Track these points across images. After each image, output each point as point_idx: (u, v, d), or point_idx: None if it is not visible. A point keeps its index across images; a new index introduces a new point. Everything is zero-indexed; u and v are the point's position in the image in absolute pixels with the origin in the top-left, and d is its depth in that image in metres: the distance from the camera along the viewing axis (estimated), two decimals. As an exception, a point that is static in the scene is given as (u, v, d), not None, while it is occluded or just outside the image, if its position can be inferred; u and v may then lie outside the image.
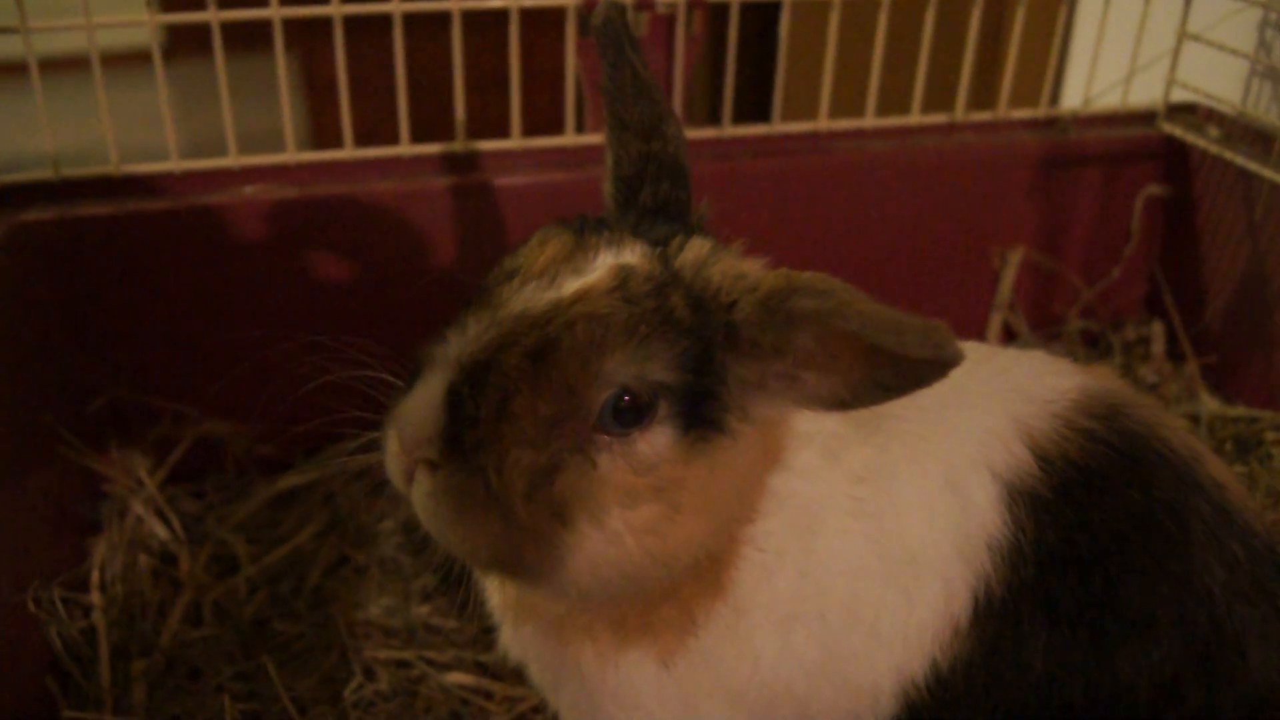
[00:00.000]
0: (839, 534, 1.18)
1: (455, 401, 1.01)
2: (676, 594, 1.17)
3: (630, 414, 1.03)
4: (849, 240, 2.21)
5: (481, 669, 1.75)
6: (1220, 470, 1.27)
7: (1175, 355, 2.35)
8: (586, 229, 1.11)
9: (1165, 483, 1.21)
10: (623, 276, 1.05)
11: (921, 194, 2.23)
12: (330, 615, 1.83)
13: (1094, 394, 1.26)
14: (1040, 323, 2.39)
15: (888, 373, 0.99)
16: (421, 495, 1.04)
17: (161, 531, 1.91)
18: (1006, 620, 1.18)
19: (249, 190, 1.97)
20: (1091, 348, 2.40)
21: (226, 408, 2.03)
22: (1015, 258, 2.32)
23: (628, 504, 1.04)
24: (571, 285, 1.05)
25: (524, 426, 1.02)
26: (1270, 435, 2.06)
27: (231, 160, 1.96)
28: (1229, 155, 2.17)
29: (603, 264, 1.07)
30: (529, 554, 1.05)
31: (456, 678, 1.74)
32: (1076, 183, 2.31)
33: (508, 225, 2.02)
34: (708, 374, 1.05)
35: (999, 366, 1.29)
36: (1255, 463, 2.05)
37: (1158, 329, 2.37)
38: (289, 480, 2.04)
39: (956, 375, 1.22)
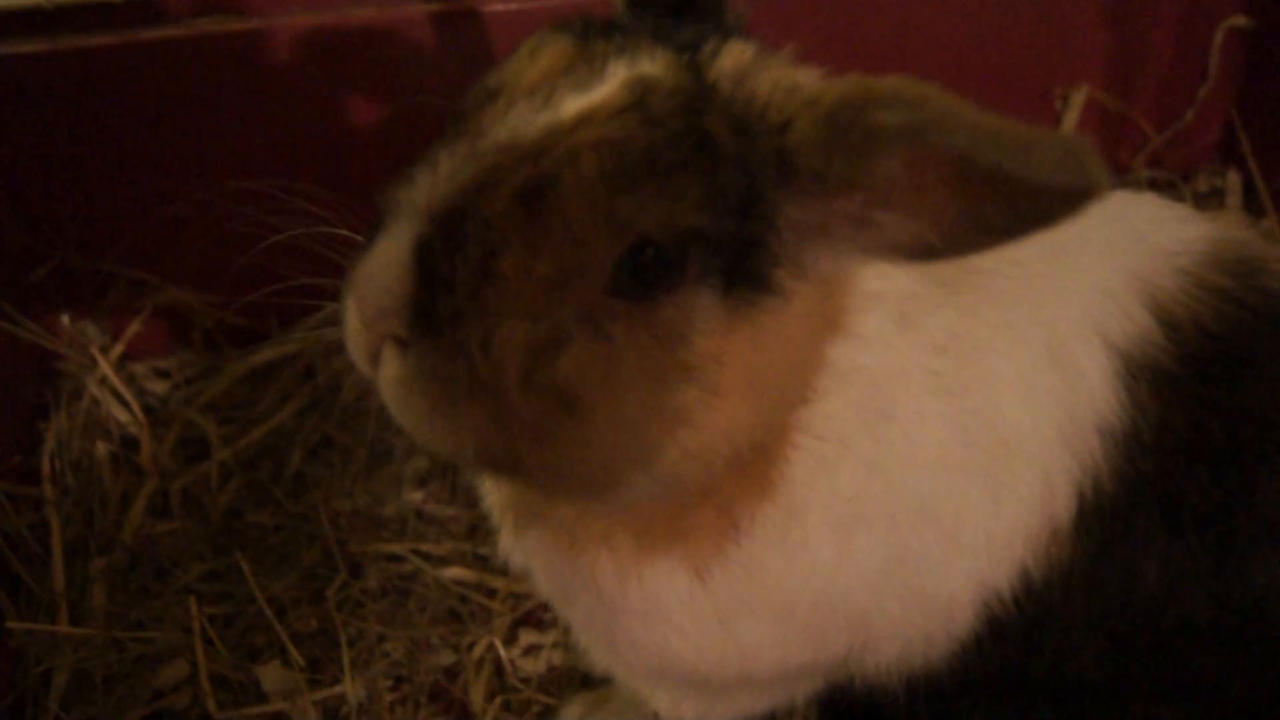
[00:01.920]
0: (915, 417, 0.96)
1: (426, 260, 0.78)
2: (715, 494, 0.96)
3: (653, 271, 0.79)
4: (899, 71, 1.96)
5: (482, 563, 1.59)
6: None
7: (1253, 209, 2.11)
8: (591, 33, 0.85)
9: None
10: (641, 91, 0.80)
11: (974, 23, 1.97)
12: (312, 504, 1.66)
13: (1227, 245, 1.03)
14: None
15: (999, 207, 0.75)
16: (390, 381, 0.81)
17: (121, 413, 1.72)
18: (1118, 521, 0.98)
19: (205, 21, 1.71)
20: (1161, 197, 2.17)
21: (191, 273, 1.81)
22: (1078, 98, 2.08)
23: (652, 387, 0.81)
24: (574, 104, 0.80)
25: (516, 291, 0.78)
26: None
27: None
28: (1328, -22, 1.90)
29: (614, 76, 0.81)
30: (527, 452, 0.83)
31: (454, 573, 1.59)
32: (1148, 12, 2.06)
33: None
34: (753, 217, 0.81)
35: (1109, 209, 1.05)
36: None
37: (1234, 180, 2.14)
38: (264, 354, 1.82)
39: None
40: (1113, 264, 1.00)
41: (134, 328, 1.79)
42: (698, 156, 0.79)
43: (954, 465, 0.97)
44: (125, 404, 1.73)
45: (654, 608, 1.01)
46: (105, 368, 1.72)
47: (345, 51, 1.74)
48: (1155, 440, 0.97)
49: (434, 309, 0.79)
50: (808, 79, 0.86)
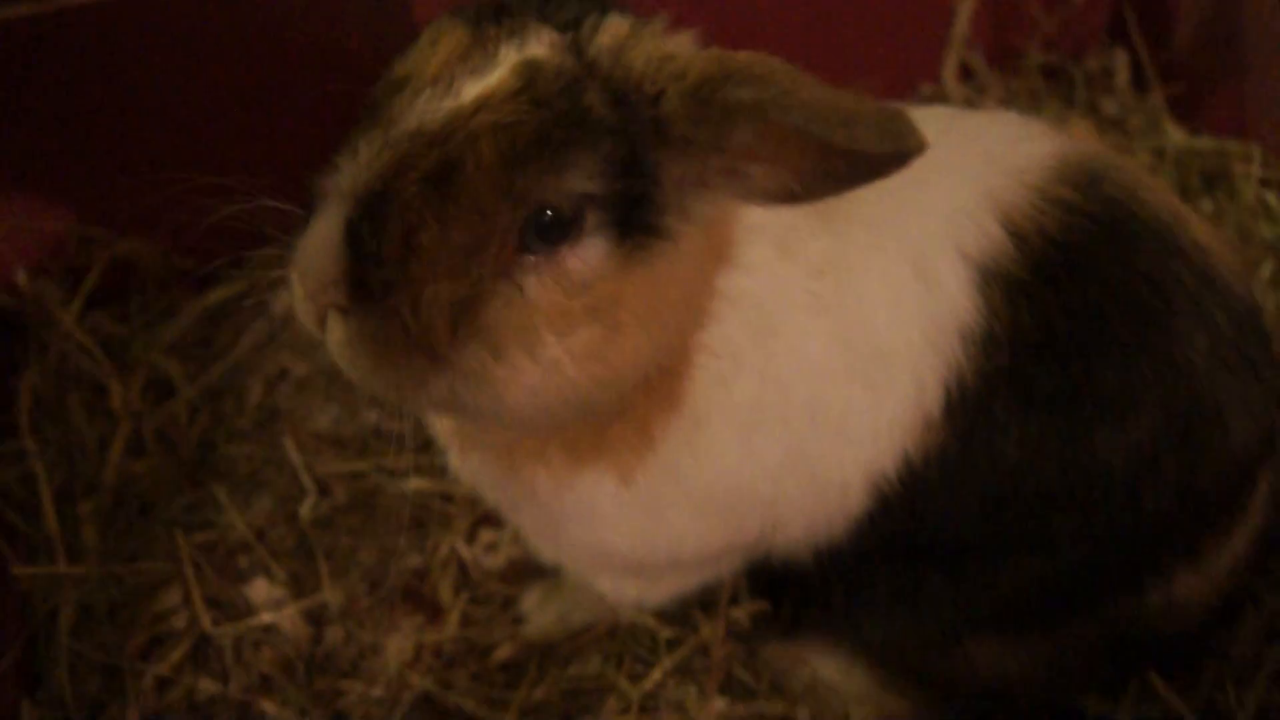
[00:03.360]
0: (798, 333, 1.10)
1: (355, 239, 0.90)
2: (630, 411, 1.10)
3: (555, 230, 0.92)
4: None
5: (440, 472, 1.68)
6: (1204, 232, 1.20)
7: (1140, 85, 2.22)
8: (484, 19, 0.96)
9: (1146, 253, 1.14)
10: (529, 75, 0.91)
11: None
12: (277, 432, 1.77)
13: (1072, 160, 1.16)
14: (998, 58, 2.25)
15: (840, 164, 0.88)
16: (336, 344, 0.94)
17: (87, 363, 1.80)
18: (980, 409, 1.12)
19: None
20: (1052, 80, 2.27)
21: (137, 222, 1.88)
22: (970, -9, 2.16)
23: (563, 329, 0.94)
24: (471, 90, 0.91)
25: (436, 259, 0.91)
26: (1239, 168, 1.97)
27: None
28: None
29: (505, 61, 0.92)
30: (463, 392, 0.96)
31: (415, 484, 1.70)
32: (1035, -100, 2.13)
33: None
34: (637, 176, 0.93)
35: (967, 133, 1.18)
36: (1223, 197, 1.98)
37: (1121, 58, 2.24)
38: (217, 294, 1.92)
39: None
40: (968, 185, 1.13)
41: (90, 281, 1.86)
42: (582, 131, 0.90)
43: (837, 372, 1.11)
44: (90, 354, 1.81)
45: (588, 510, 1.16)
46: (69, 323, 1.80)
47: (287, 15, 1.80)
48: (1009, 338, 1.11)
49: (367, 280, 0.91)
50: (680, 48, 0.97)
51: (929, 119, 1.16)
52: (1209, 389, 1.15)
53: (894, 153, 0.84)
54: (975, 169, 1.14)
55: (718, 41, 1.93)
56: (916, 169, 1.05)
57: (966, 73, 2.23)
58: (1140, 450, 1.14)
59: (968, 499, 1.16)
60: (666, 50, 0.95)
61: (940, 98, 2.20)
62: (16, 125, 1.77)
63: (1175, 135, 2.10)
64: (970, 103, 2.20)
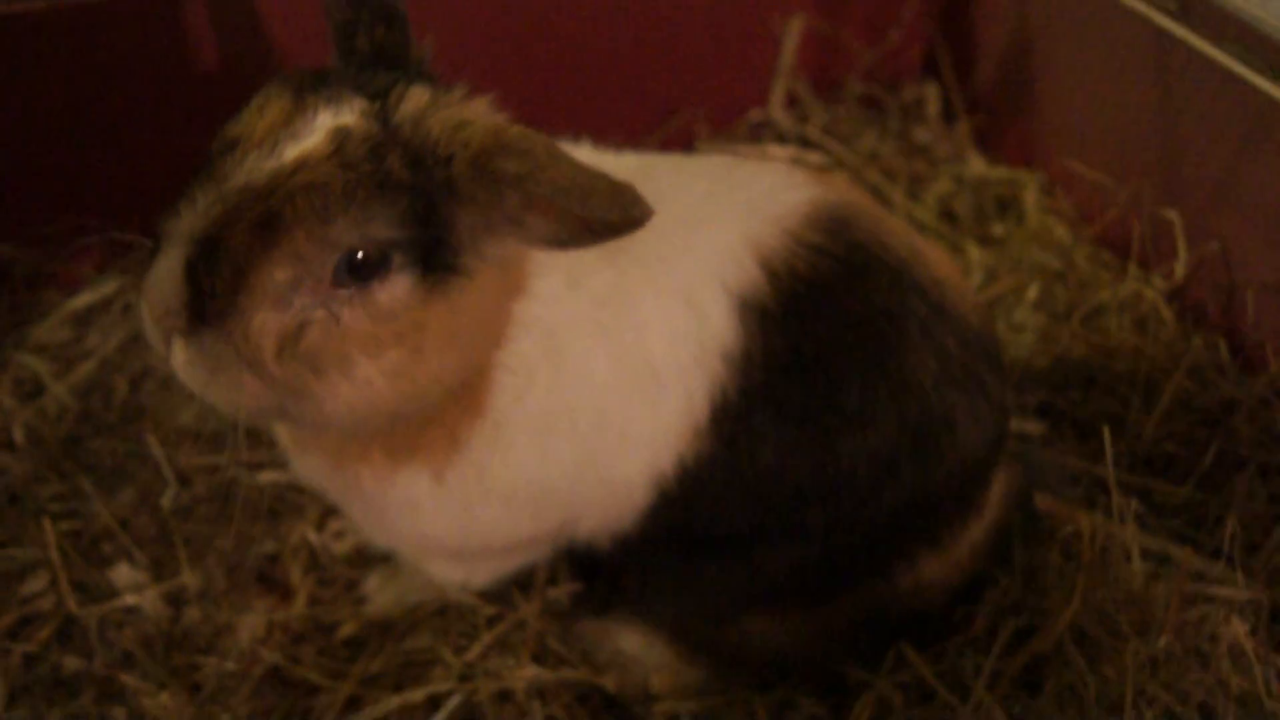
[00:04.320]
0: (583, 354, 1.28)
1: (193, 276, 1.06)
2: (441, 417, 1.27)
3: (365, 269, 1.09)
4: (630, 16, 2.22)
5: None
6: (940, 267, 1.40)
7: (949, 117, 2.45)
8: (305, 87, 1.12)
9: (883, 290, 1.33)
10: (340, 140, 1.08)
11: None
12: (141, 428, 1.89)
13: (824, 208, 1.35)
14: (822, 88, 2.46)
15: (590, 225, 1.07)
16: (179, 363, 1.11)
17: (-43, 360, 1.91)
18: (740, 420, 1.31)
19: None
20: (871, 110, 2.49)
21: (6, 227, 2.01)
22: (796, 25, 2.36)
23: (373, 352, 1.12)
24: (291, 152, 1.08)
25: (262, 293, 1.07)
26: (1027, 196, 2.21)
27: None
28: (997, -81, 2.21)
29: (321, 127, 1.09)
30: (289, 405, 1.13)
31: (269, 476, 1.84)
32: (856, -55, 2.34)
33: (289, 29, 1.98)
34: (434, 224, 1.10)
35: (737, 183, 1.38)
36: (1012, 221, 2.22)
37: (932, 91, 2.46)
38: (84, 297, 2.05)
39: (697, 195, 1.33)
40: (733, 229, 1.32)
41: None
42: (383, 190, 1.08)
43: (618, 386, 1.29)
44: (-40, 350, 1.92)
45: (407, 504, 1.33)
46: (-61, 321, 1.91)
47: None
48: (764, 360, 1.30)
49: (203, 310, 1.07)
50: (474, 114, 1.14)
51: (708, 168, 1.38)
52: (939, 403, 1.36)
53: (623, 220, 1.03)
54: (740, 215, 1.34)
55: (550, 81, 2.13)
56: (690, 213, 1.27)
57: (792, 100, 2.44)
58: (879, 456, 1.35)
59: (734, 495, 1.35)
60: (461, 117, 1.13)
61: (768, 123, 2.40)
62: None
63: (975, 164, 2.34)
64: (795, 128, 2.40)
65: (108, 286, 2.05)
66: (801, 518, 1.38)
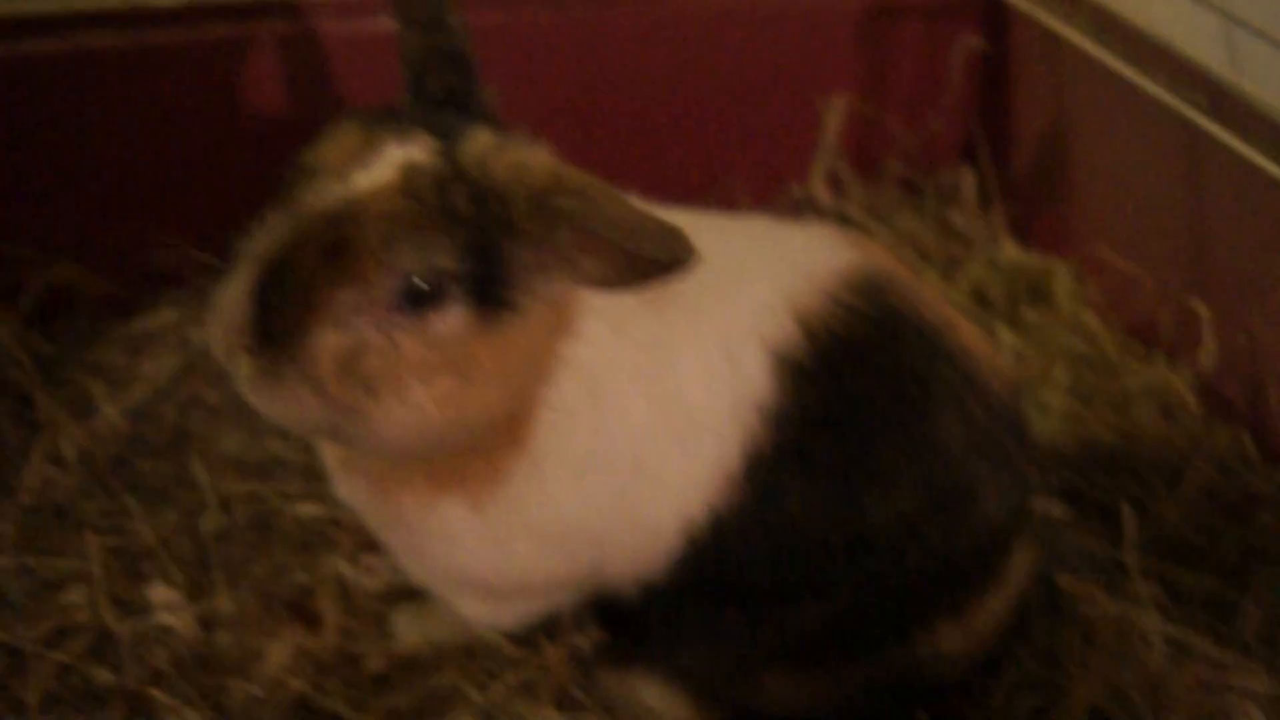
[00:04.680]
0: (624, 397, 1.33)
1: (262, 294, 1.12)
2: (483, 448, 1.31)
3: (423, 297, 1.15)
4: (682, 88, 2.31)
5: (330, 499, 1.82)
6: (971, 338, 1.45)
7: (984, 202, 2.51)
8: (376, 123, 1.19)
9: (915, 354, 1.38)
10: (408, 174, 1.14)
11: (751, 44, 2.32)
12: (187, 452, 1.95)
13: (861, 272, 1.40)
14: (862, 168, 2.53)
15: (638, 265, 1.13)
16: (243, 377, 1.16)
17: (19, 376, 1.98)
18: (771, 473, 1.35)
19: (84, 36, 1.97)
20: (908, 191, 2.55)
21: (75, 250, 2.09)
22: (839, 105, 2.44)
23: (426, 377, 1.17)
24: (362, 182, 1.14)
25: (326, 314, 1.13)
26: (1059, 283, 2.26)
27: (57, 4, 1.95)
28: (1040, 15, 2.29)
29: (391, 161, 1.16)
30: (343, 424, 1.19)
31: (307, 508, 1.89)
32: (900, 34, 2.42)
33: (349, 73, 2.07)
34: (491, 260, 1.17)
35: (779, 242, 1.44)
36: (1044, 307, 2.27)
37: (968, 176, 2.52)
38: (142, 322, 2.13)
39: (740, 251, 1.39)
40: (773, 286, 1.37)
41: (27, 301, 2.05)
42: (446, 222, 1.14)
43: (655, 431, 1.34)
44: (22, 367, 1.98)
45: (446, 533, 1.37)
46: (4, 338, 1.98)
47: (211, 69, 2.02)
48: (797, 415, 1.34)
49: (269, 328, 1.13)
50: (533, 158, 1.20)
51: (752, 227, 1.44)
52: (964, 469, 1.39)
53: (671, 259, 1.09)
54: (779, 273, 1.39)
55: (602, 144, 2.22)
56: (733, 269, 1.33)
57: (832, 177, 2.51)
58: (904, 516, 1.38)
59: (761, 547, 1.38)
60: (521, 160, 1.19)
61: (807, 199, 2.47)
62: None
63: (1009, 249, 2.40)
64: (834, 205, 2.47)
65: (165, 315, 2.13)
66: (826, 574, 1.41)
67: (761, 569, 1.41)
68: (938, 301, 1.46)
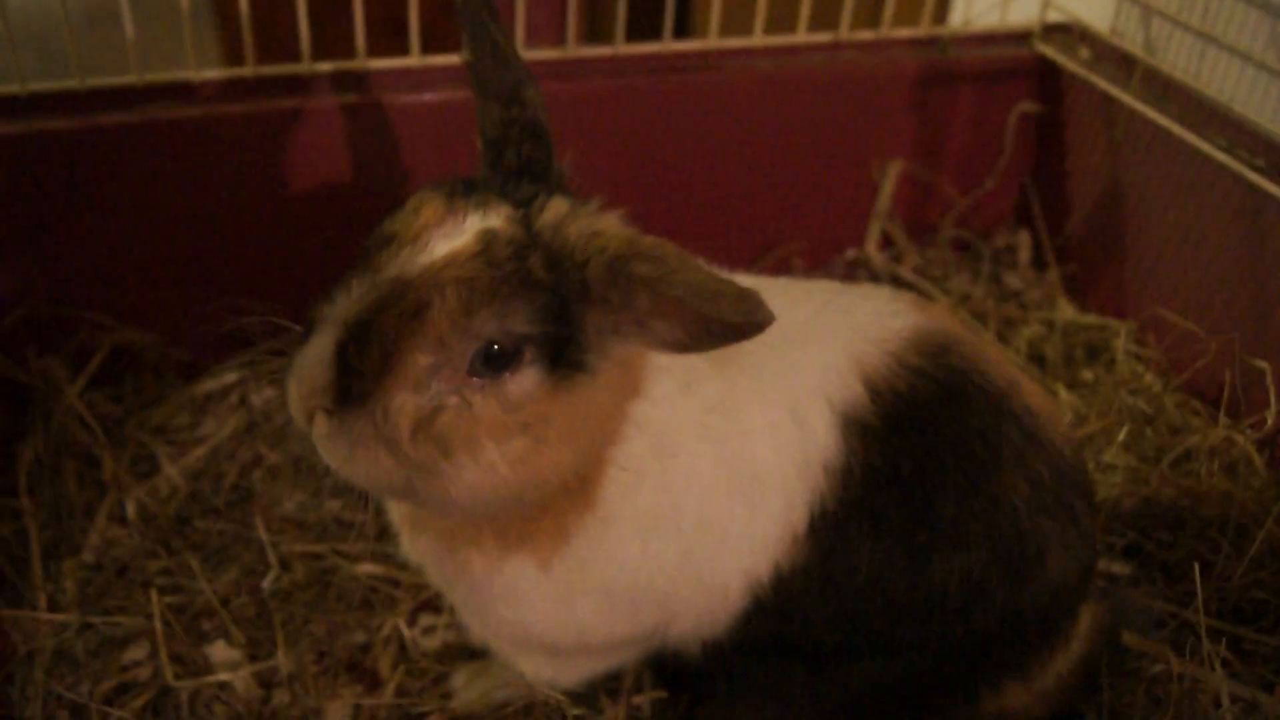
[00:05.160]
0: (692, 456, 1.33)
1: (343, 357, 1.14)
2: (552, 508, 1.32)
3: (499, 360, 1.16)
4: (738, 153, 2.33)
5: (389, 559, 1.90)
6: (1036, 398, 1.45)
7: (1039, 264, 2.52)
8: (456, 193, 1.22)
9: (981, 414, 1.38)
10: (487, 240, 1.17)
11: (806, 109, 2.34)
12: (248, 512, 1.98)
13: (926, 333, 1.41)
14: (916, 231, 2.54)
15: (712, 326, 1.13)
16: (320, 437, 1.18)
17: (84, 436, 2.02)
18: (838, 531, 1.35)
19: (153, 108, 2.02)
20: (963, 253, 2.56)
21: (141, 315, 2.13)
22: (894, 170, 2.46)
23: (501, 438, 1.18)
24: (442, 249, 1.17)
25: (404, 376, 1.15)
26: (1118, 343, 2.25)
27: (134, 77, 2.01)
28: (1094, 79, 2.31)
29: (470, 228, 1.18)
30: (418, 483, 1.20)
31: (366, 568, 1.90)
32: (954, 99, 2.44)
33: (407, 143, 2.12)
34: (566, 323, 1.18)
35: (843, 306, 1.45)
36: (1100, 368, 2.26)
37: (1024, 238, 2.54)
38: (204, 384, 2.16)
39: (806, 314, 1.40)
40: (838, 349, 1.38)
41: (94, 363, 2.09)
42: (524, 288, 1.15)
43: (722, 490, 1.34)
44: (88, 428, 2.03)
45: (512, 592, 1.37)
46: (72, 397, 2.03)
47: (282, 138, 2.07)
48: (863, 474, 1.35)
49: (349, 389, 1.15)
50: (607, 225, 1.22)
51: (817, 291, 1.45)
52: (1031, 528, 1.39)
53: (747, 322, 1.10)
54: (845, 335, 1.40)
55: (660, 208, 2.25)
56: (799, 332, 1.34)
57: (888, 241, 2.53)
58: (971, 576, 1.37)
59: (827, 606, 1.38)
60: (596, 227, 1.21)
61: (862, 262, 2.48)
62: (45, 224, 2.02)
63: (1066, 310, 2.40)
64: (889, 268, 2.48)
65: (226, 377, 2.16)
66: (891, 634, 1.40)
67: (827, 628, 1.41)
68: (1002, 361, 1.46)
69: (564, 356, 1.19)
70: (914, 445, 1.36)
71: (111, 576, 1.86)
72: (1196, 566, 1.60)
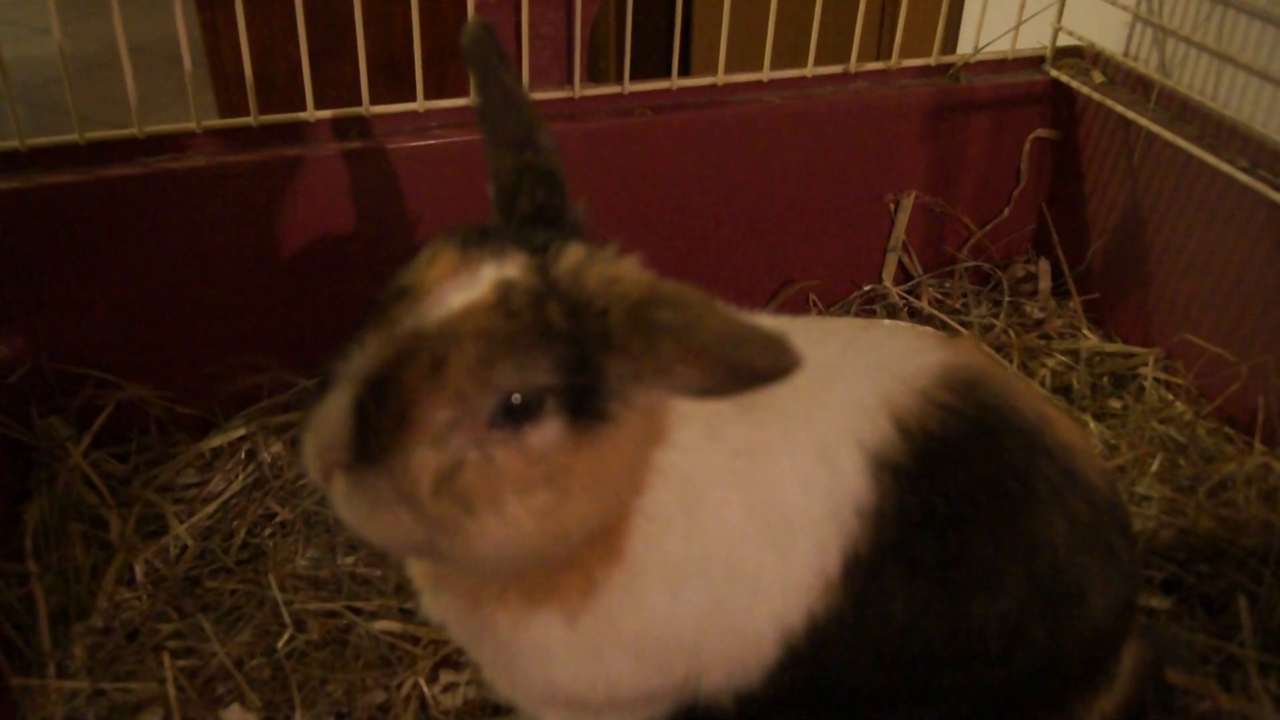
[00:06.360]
0: (719, 503, 1.28)
1: (361, 412, 1.10)
2: (578, 561, 1.27)
3: (520, 412, 1.12)
4: (750, 189, 2.30)
5: (407, 615, 1.85)
6: (1068, 433, 1.40)
7: (1060, 292, 2.48)
8: (470, 242, 1.18)
9: (1014, 450, 1.33)
10: (504, 291, 1.13)
11: (818, 143, 2.32)
12: (260, 570, 1.93)
13: (954, 369, 1.37)
14: (933, 263, 2.50)
15: (739, 372, 1.09)
16: (338, 495, 1.13)
17: (90, 497, 1.98)
18: (872, 575, 1.30)
19: (154, 161, 2.00)
20: (981, 285, 2.52)
21: (146, 371, 2.10)
22: (908, 201, 2.43)
23: (524, 492, 1.14)
24: (458, 301, 1.12)
25: (424, 431, 1.10)
26: (1143, 371, 2.20)
27: (135, 130, 1.98)
28: (1109, 102, 2.28)
29: (486, 279, 1.14)
30: (440, 541, 1.15)
31: (383, 625, 1.85)
32: (967, 127, 2.41)
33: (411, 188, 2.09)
34: (587, 372, 1.14)
35: (869, 344, 1.40)
36: (1129, 397, 2.21)
37: (1044, 267, 2.50)
38: (211, 441, 2.12)
39: (831, 354, 1.36)
40: (866, 388, 1.34)
41: (99, 421, 2.05)
42: (543, 338, 1.11)
43: (752, 537, 1.29)
44: (94, 488, 1.99)
45: (539, 648, 1.32)
46: (76, 458, 1.99)
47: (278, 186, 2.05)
48: (896, 516, 1.30)
49: (367, 445, 1.10)
50: (626, 270, 1.18)
51: (841, 329, 1.41)
52: (1070, 566, 1.34)
53: (775, 367, 1.06)
54: (873, 374, 1.35)
55: (672, 247, 2.22)
56: (825, 372, 1.29)
57: (905, 274, 2.49)
58: (1010, 617, 1.32)
59: (862, 653, 1.33)
60: (615, 273, 1.17)
61: (879, 295, 2.44)
62: (46, 280, 1.99)
63: (1090, 339, 2.35)
64: (907, 302, 2.44)
65: (234, 431, 2.12)
66: (929, 680, 1.35)
67: (862, 675, 1.36)
68: (1032, 396, 1.42)
69: (586, 406, 1.15)
70: (947, 485, 1.31)
71: (121, 641, 1.82)
72: (1243, 600, 1.55)
